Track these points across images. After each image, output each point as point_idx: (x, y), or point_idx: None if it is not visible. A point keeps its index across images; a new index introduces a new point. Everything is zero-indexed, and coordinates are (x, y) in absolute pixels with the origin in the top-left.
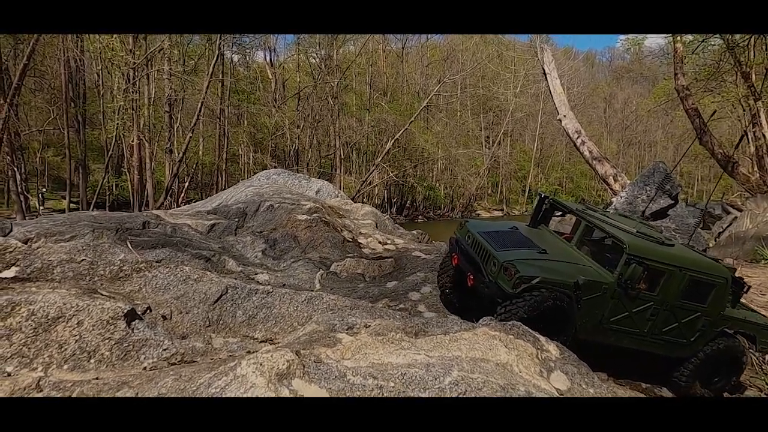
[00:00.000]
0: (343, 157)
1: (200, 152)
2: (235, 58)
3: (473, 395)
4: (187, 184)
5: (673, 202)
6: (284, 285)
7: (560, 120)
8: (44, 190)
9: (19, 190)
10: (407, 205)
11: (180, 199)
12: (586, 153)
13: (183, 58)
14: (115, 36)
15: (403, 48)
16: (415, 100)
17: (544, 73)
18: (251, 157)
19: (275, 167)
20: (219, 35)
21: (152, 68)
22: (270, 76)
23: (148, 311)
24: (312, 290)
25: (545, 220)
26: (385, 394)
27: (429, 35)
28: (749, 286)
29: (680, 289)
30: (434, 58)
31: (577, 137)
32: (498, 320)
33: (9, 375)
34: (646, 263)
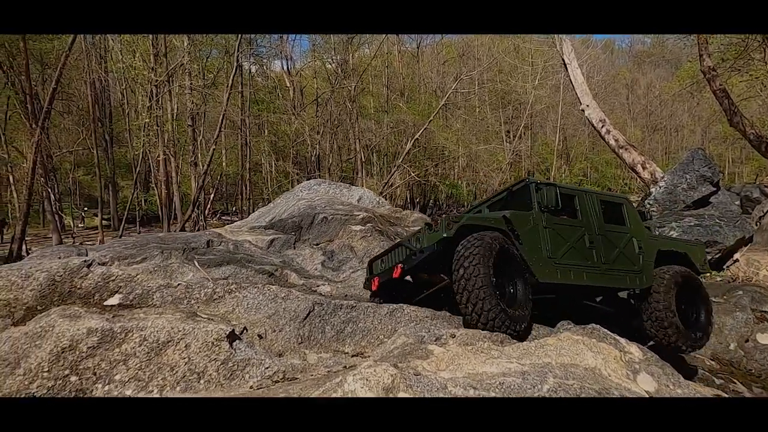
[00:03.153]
0: (363, 160)
1: (224, 163)
2: (253, 69)
3: None
4: (212, 195)
5: (714, 189)
6: (346, 296)
7: (583, 110)
8: (85, 209)
9: (54, 209)
10: (430, 204)
11: (206, 211)
12: (612, 142)
13: (203, 73)
14: (137, 55)
15: (418, 48)
16: (433, 99)
17: (564, 64)
18: (273, 165)
19: (297, 174)
20: (236, 48)
21: (174, 84)
22: (288, 84)
23: (245, 331)
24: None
25: None
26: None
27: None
28: (646, 213)
29: (597, 212)
30: (450, 56)
31: (602, 126)
32: (460, 273)
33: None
34: (553, 186)
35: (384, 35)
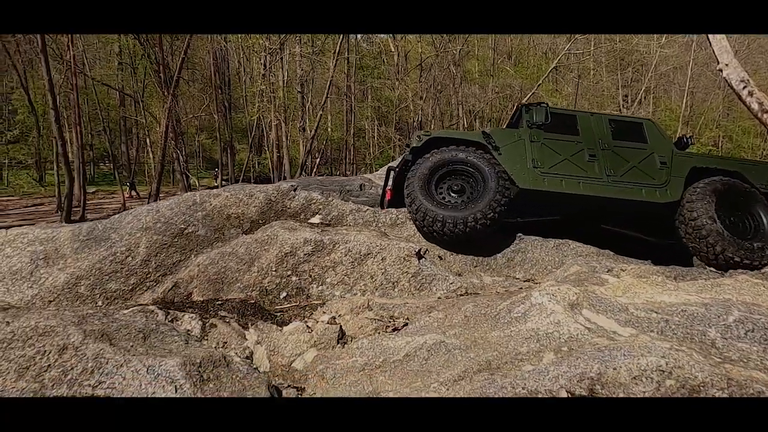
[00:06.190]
0: (466, 126)
1: (329, 129)
2: (359, 35)
3: (760, 334)
4: (318, 159)
5: None
6: None
7: (721, 69)
8: (216, 169)
9: (182, 170)
10: None
11: (313, 174)
12: (755, 105)
13: (312, 40)
14: None
15: None
16: (543, 61)
17: None
18: (376, 130)
19: (399, 139)
20: None
21: (285, 52)
22: (392, 50)
23: (428, 252)
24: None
25: None
26: (672, 328)
27: None
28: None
29: (605, 131)
30: None
31: (743, 87)
32: (408, 182)
33: (341, 297)
34: (544, 106)
35: None
